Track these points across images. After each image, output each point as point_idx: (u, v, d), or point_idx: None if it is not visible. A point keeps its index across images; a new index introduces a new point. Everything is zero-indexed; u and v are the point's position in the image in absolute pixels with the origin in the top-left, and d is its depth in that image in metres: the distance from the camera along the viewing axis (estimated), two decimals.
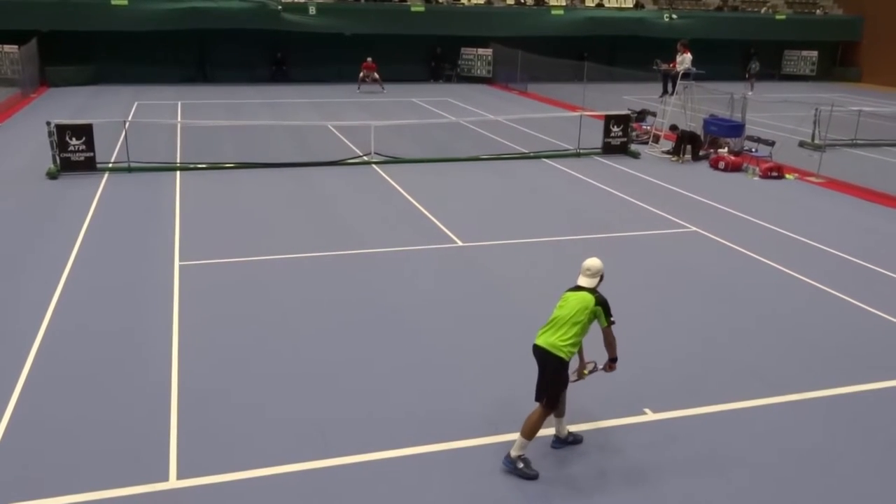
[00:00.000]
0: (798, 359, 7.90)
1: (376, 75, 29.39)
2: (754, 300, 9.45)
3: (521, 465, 5.80)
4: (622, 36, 34.56)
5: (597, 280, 5.91)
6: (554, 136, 19.92)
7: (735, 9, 38.49)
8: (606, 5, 36.00)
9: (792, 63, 38.91)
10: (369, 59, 29.62)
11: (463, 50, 34.12)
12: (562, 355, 5.67)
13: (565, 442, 6.23)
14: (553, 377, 5.74)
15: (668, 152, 18.19)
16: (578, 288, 5.88)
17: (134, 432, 6.26)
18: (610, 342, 5.87)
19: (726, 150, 17.59)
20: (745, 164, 16.87)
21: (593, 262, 5.94)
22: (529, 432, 5.78)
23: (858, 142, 20.15)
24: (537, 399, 5.82)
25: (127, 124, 16.24)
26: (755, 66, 32.05)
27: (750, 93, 24.58)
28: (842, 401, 7.10)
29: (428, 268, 10.28)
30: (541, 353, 5.79)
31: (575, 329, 5.69)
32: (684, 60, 19.83)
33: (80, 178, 14.51)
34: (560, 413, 6.10)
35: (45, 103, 24.24)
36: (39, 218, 12.06)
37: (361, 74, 29.48)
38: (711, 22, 36.28)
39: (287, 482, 5.70)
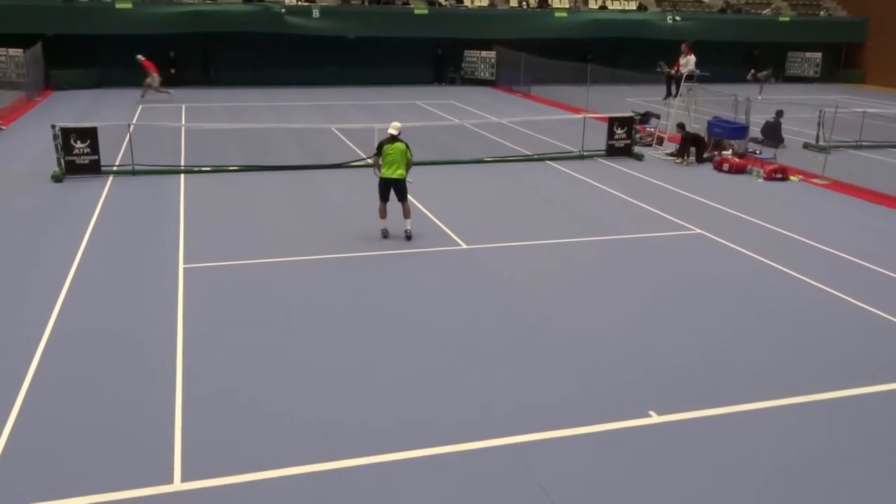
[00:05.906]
0: (803, 361, 7.89)
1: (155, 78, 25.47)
2: (759, 302, 9.44)
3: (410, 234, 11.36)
4: (625, 38, 34.51)
5: (398, 132, 11.05)
6: (558, 138, 19.91)
7: (738, 10, 38.43)
8: (609, 7, 35.99)
9: (796, 65, 38.84)
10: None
11: (466, 52, 34.10)
12: (404, 178, 11.22)
13: (409, 237, 11.26)
14: (404, 188, 11.23)
15: (672, 154, 18.17)
16: (393, 138, 11.02)
17: (138, 434, 6.27)
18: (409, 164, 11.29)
19: (730, 151, 17.58)
20: (749, 166, 16.84)
21: (398, 124, 11.16)
22: (410, 213, 11.43)
23: (863, 143, 20.10)
24: (403, 199, 11.28)
25: (131, 127, 16.27)
26: (765, 71, 31.06)
27: (759, 97, 24.52)
28: (847, 403, 7.08)
29: (432, 270, 10.28)
30: (395, 181, 11.18)
31: (404, 166, 11.16)
32: (688, 62, 19.82)
33: (84, 181, 14.55)
34: (407, 215, 11.40)
35: (49, 106, 24.30)
36: (44, 221, 12.09)
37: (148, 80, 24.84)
38: (715, 24, 36.24)
39: (292, 484, 5.70)
